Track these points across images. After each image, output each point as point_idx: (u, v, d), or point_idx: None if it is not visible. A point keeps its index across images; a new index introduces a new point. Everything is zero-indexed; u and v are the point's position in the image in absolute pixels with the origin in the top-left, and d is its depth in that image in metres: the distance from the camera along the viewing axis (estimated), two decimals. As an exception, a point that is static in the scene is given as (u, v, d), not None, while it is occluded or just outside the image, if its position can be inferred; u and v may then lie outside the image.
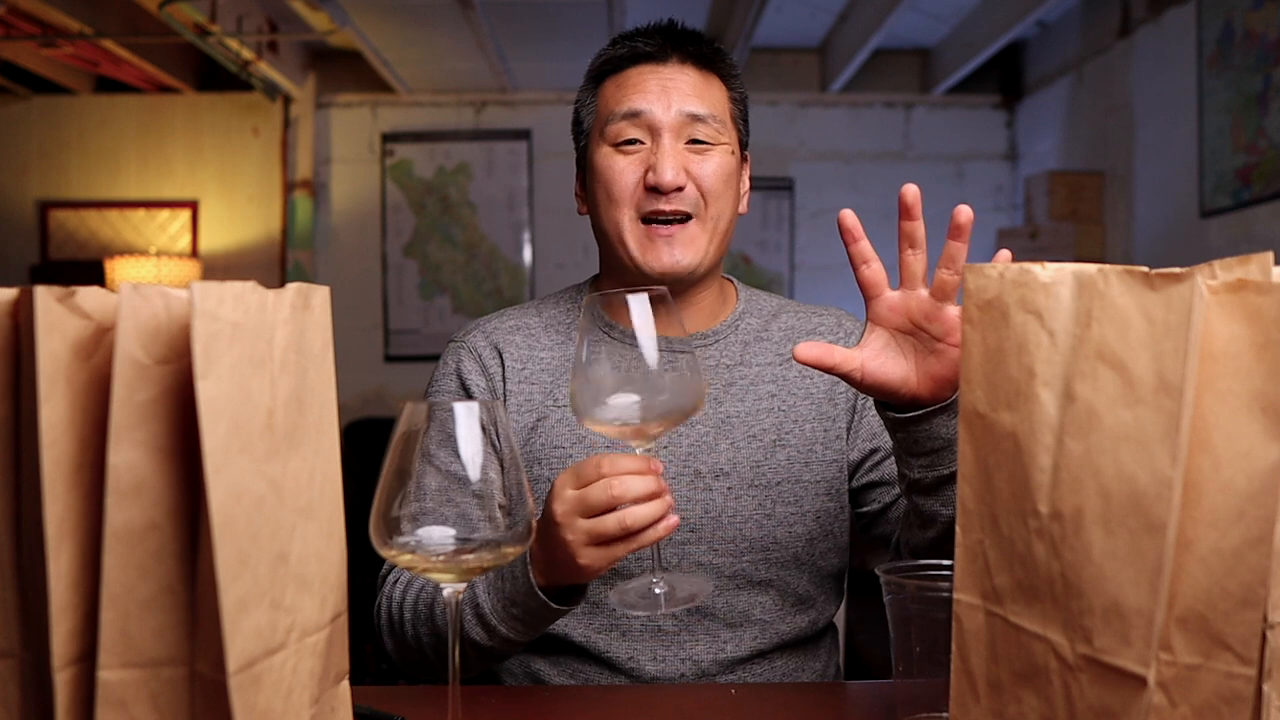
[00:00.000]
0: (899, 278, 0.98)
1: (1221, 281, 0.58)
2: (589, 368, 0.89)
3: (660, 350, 0.87)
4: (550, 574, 0.99)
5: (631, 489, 0.89)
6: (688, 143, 1.17)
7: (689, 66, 1.19)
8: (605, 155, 1.18)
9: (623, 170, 1.16)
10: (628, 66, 1.20)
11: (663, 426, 0.89)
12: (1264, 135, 2.97)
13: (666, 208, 1.15)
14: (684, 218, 1.16)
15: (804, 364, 0.99)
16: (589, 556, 0.92)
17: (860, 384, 0.99)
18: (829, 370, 0.99)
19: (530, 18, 3.93)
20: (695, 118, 1.16)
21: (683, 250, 1.16)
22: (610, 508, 0.90)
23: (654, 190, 1.15)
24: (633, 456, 0.91)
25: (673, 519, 0.92)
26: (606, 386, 0.88)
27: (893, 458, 1.21)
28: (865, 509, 1.26)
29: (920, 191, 0.96)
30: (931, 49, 4.76)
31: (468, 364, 1.24)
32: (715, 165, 1.17)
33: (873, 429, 1.25)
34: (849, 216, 0.99)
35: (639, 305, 0.88)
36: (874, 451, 1.24)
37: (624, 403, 0.88)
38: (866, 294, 1.00)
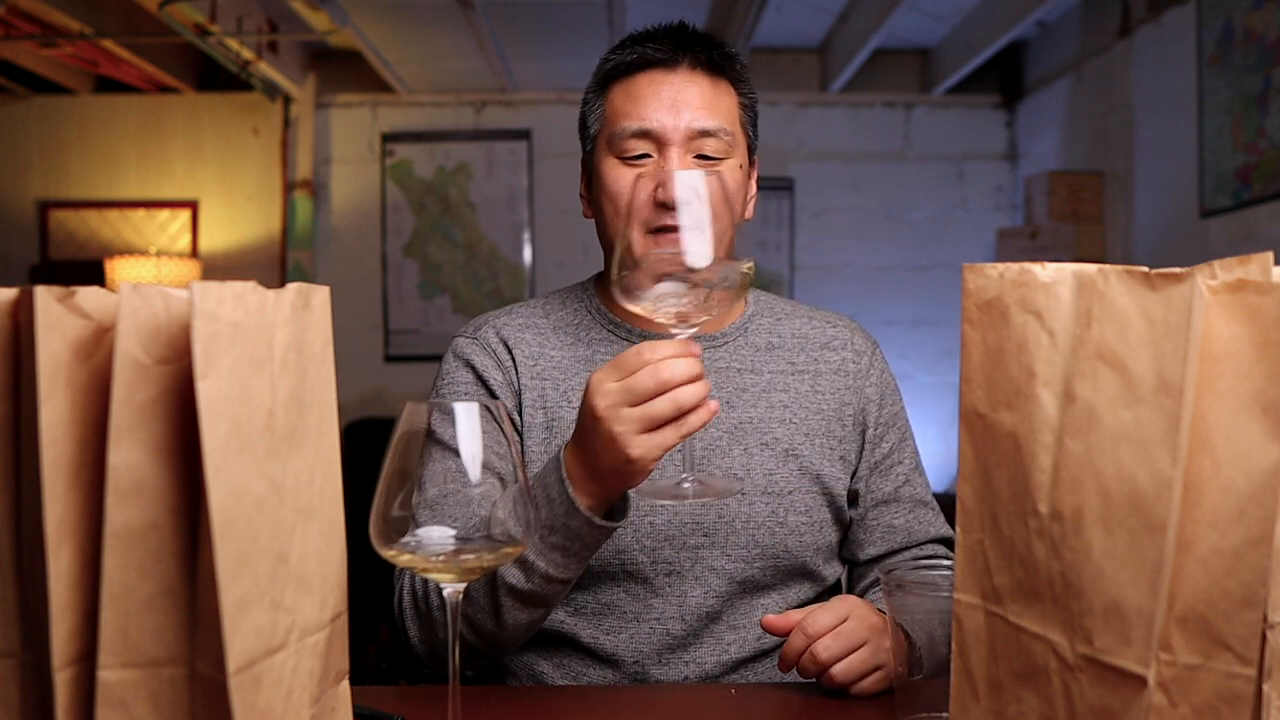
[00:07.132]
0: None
1: (1221, 281, 0.58)
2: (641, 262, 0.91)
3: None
4: (591, 486, 0.95)
5: (680, 371, 0.88)
6: (695, 157, 1.15)
7: (699, 73, 1.17)
8: (612, 167, 1.17)
9: (630, 184, 1.15)
10: (636, 73, 1.18)
11: (706, 312, 0.90)
12: (1264, 135, 2.97)
13: (673, 222, 1.14)
14: None
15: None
16: (640, 446, 0.89)
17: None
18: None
19: (530, 18, 3.93)
20: (705, 133, 1.15)
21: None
22: (659, 392, 0.88)
23: (663, 205, 1.14)
24: (673, 342, 0.90)
25: (713, 404, 0.91)
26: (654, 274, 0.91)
27: (888, 515, 1.26)
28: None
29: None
30: (931, 49, 4.76)
31: (482, 358, 1.22)
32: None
33: (883, 487, 1.26)
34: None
35: (685, 180, 0.92)
36: (879, 504, 1.26)
37: (669, 287, 0.89)
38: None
